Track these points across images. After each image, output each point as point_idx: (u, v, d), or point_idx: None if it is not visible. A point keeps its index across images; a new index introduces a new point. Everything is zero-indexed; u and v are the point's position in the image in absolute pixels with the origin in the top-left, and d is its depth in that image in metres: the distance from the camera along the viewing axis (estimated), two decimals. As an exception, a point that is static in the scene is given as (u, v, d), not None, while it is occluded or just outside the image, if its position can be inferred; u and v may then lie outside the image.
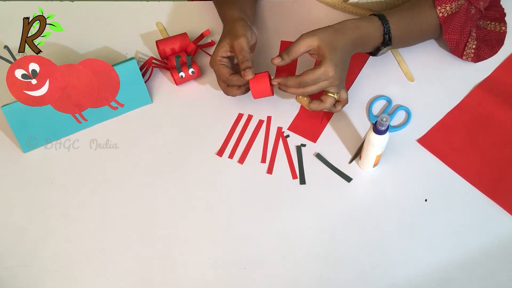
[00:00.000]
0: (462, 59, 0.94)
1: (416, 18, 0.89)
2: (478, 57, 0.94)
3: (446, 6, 0.87)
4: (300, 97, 0.86)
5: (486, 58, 0.95)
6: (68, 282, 0.80)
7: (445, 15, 0.88)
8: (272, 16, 1.05)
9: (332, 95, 0.83)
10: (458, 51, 0.93)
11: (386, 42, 0.87)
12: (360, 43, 0.85)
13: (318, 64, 0.81)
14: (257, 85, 0.84)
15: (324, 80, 0.81)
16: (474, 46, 0.93)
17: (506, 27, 0.97)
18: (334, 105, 0.86)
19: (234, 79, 0.85)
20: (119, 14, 1.09)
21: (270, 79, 0.85)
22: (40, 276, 0.81)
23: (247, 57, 0.84)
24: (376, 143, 0.78)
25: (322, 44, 0.81)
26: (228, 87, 0.88)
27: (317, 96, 0.86)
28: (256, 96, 0.86)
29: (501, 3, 0.98)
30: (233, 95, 0.89)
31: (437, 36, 0.94)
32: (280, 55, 0.83)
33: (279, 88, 0.85)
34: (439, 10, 0.87)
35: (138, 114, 0.95)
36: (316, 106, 0.85)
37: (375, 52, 0.90)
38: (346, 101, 0.86)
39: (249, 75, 0.83)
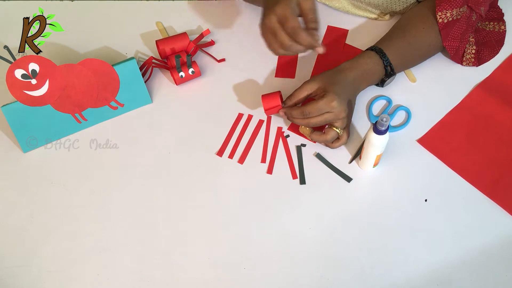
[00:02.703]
0: (462, 65, 0.94)
1: (414, 44, 0.89)
2: (479, 61, 0.94)
3: (446, 13, 0.87)
4: (303, 127, 0.87)
5: (488, 60, 0.95)
6: (68, 282, 0.80)
7: (445, 21, 0.87)
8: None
9: (336, 129, 0.83)
10: (457, 57, 0.93)
11: (389, 73, 0.88)
12: (364, 79, 0.86)
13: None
14: (269, 103, 0.86)
15: (329, 112, 0.81)
16: (473, 51, 0.93)
17: (505, 26, 0.97)
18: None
19: (304, 34, 0.74)
20: (119, 14, 1.09)
21: (282, 99, 0.87)
22: (40, 276, 0.81)
23: (316, 19, 0.77)
24: (376, 143, 0.78)
25: (322, 84, 0.82)
26: (299, 29, 0.75)
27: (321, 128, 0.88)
28: (268, 113, 0.88)
29: (498, 4, 0.98)
30: (297, 51, 0.78)
31: (441, 50, 0.94)
32: (283, 102, 0.85)
33: (288, 119, 0.86)
34: (439, 16, 0.87)
35: (138, 114, 0.95)
36: (317, 137, 0.85)
37: (381, 84, 0.91)
38: (345, 142, 0.86)
39: (316, 38, 0.74)
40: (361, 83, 0.86)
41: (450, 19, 0.87)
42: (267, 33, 0.77)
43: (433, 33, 0.89)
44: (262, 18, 0.78)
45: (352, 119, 0.91)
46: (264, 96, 0.87)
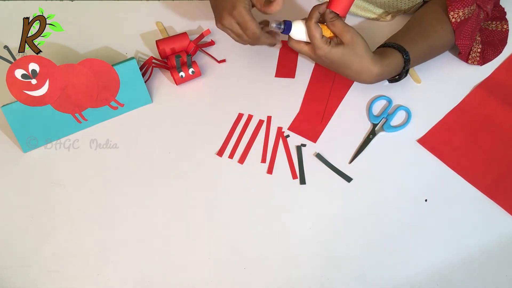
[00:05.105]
0: (468, 63, 0.94)
1: (433, 46, 0.89)
2: (484, 60, 0.94)
3: (459, 12, 0.87)
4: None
5: (492, 60, 0.95)
6: (68, 282, 0.80)
7: (458, 20, 0.87)
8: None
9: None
10: (465, 56, 0.93)
11: (402, 75, 0.89)
12: (383, 78, 0.86)
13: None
14: None
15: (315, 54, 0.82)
16: (479, 50, 0.93)
17: (507, 25, 0.97)
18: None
19: (264, 38, 0.86)
20: (119, 14, 1.09)
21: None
22: (40, 276, 0.81)
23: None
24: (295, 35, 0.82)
25: (352, 40, 0.81)
26: (259, 35, 0.84)
27: None
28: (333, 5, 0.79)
29: (500, 3, 0.98)
30: (262, 43, 0.88)
31: (448, 49, 0.94)
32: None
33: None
34: (451, 15, 0.87)
35: (138, 114, 0.95)
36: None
37: (390, 81, 0.91)
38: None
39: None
40: (378, 79, 0.85)
41: (463, 18, 0.87)
42: (227, 30, 0.86)
43: (449, 33, 0.89)
44: (219, 18, 0.84)
45: (352, 119, 0.91)
46: None
